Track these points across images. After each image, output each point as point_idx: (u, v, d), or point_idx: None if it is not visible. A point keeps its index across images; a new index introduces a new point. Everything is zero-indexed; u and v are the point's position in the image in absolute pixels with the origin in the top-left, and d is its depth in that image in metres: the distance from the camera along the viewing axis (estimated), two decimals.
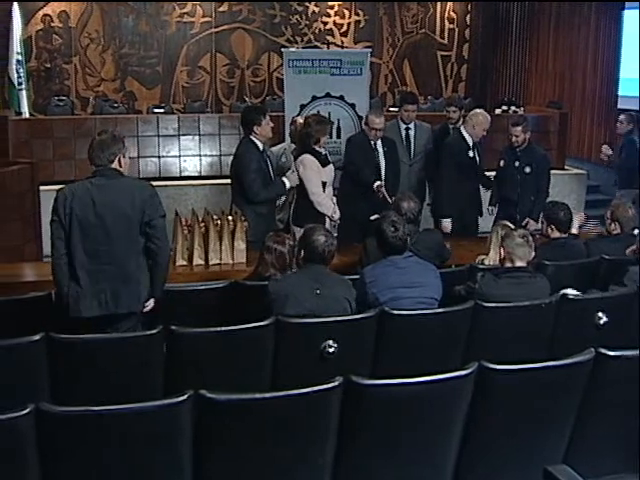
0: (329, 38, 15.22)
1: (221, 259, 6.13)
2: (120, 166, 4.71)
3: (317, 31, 15.15)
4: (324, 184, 7.03)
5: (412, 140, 8.05)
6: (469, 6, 15.90)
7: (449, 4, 15.76)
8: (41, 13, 13.63)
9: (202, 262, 6.11)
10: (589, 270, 5.67)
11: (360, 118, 8.64)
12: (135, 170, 10.72)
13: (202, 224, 6.12)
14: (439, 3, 15.70)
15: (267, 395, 3.16)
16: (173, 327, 4.07)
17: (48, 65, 13.81)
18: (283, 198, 7.44)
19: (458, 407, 3.43)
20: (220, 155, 11.17)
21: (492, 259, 5.70)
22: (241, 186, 6.60)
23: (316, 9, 15.07)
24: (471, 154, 7.62)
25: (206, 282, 5.50)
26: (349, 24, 15.31)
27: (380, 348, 4.46)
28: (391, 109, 12.97)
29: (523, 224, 7.14)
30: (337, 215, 7.09)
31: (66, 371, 4.04)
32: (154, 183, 10.23)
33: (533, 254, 5.03)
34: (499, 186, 7.72)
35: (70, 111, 12.66)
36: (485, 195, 7.93)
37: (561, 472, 3.33)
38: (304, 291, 4.50)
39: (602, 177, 12.12)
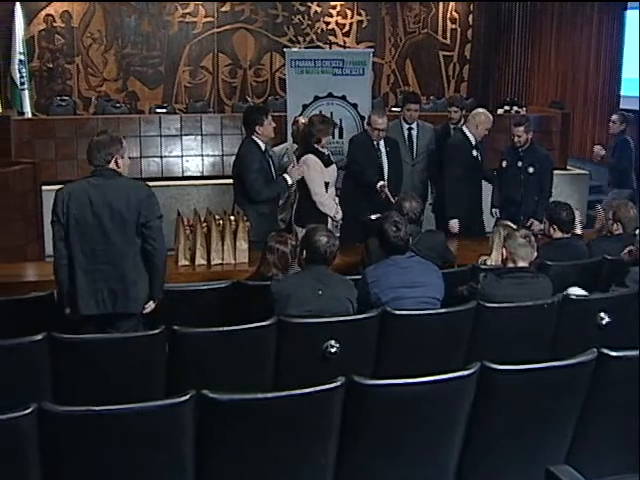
0: (331, 38, 15.21)
1: (223, 259, 6.13)
2: (117, 166, 4.71)
3: (319, 31, 15.14)
4: (327, 184, 7.04)
5: (414, 140, 8.05)
6: (471, 6, 15.88)
7: (451, 4, 15.74)
8: (43, 13, 13.62)
9: (204, 262, 6.11)
10: (591, 270, 5.67)
11: (362, 118, 8.64)
12: (137, 170, 10.72)
13: (204, 224, 6.12)
14: (441, 3, 15.68)
15: (269, 395, 3.17)
16: (175, 327, 4.07)
17: (50, 65, 13.81)
18: (285, 197, 7.45)
19: (460, 407, 3.43)
20: (222, 155, 11.17)
21: (494, 259, 5.70)
22: (243, 186, 6.60)
23: (318, 9, 15.07)
24: (474, 153, 7.63)
25: (208, 282, 5.50)
26: (351, 24, 15.30)
27: (382, 348, 4.46)
28: (393, 109, 12.96)
29: (527, 225, 7.13)
30: (339, 215, 7.10)
31: (68, 371, 4.04)
32: (156, 183, 10.41)
33: (535, 254, 5.03)
34: (501, 187, 7.69)
35: (72, 111, 12.65)
36: (487, 196, 7.93)
37: (563, 472, 3.32)
38: (306, 292, 4.50)
39: (604, 177, 12.08)
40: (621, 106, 12.53)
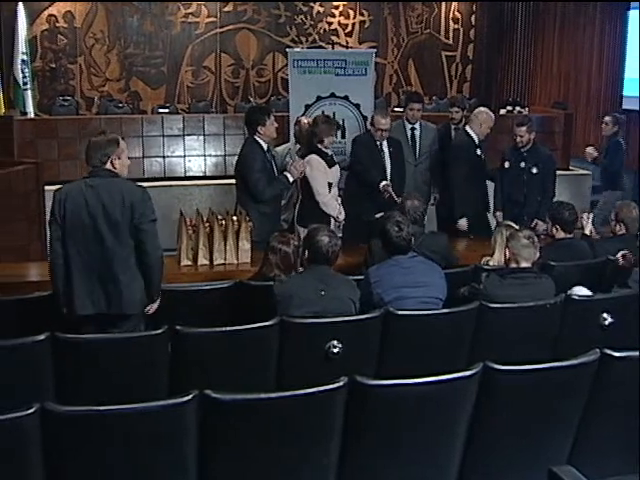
0: (334, 38, 15.21)
1: (226, 259, 6.13)
2: (114, 167, 4.71)
3: (322, 31, 15.14)
4: (330, 185, 7.04)
5: (417, 140, 8.05)
6: (474, 6, 15.88)
7: (454, 4, 15.74)
8: (46, 13, 13.64)
9: (207, 262, 6.11)
10: (595, 271, 5.67)
11: (365, 118, 8.64)
12: (140, 170, 10.73)
13: (207, 224, 6.13)
14: (444, 3, 15.68)
15: (272, 395, 3.17)
16: (178, 327, 4.07)
17: (53, 65, 13.82)
18: (288, 197, 7.45)
19: (463, 407, 3.43)
20: (225, 155, 11.16)
21: (497, 260, 5.69)
22: (246, 186, 6.61)
23: (321, 9, 15.07)
24: (478, 152, 7.65)
25: (211, 282, 5.50)
26: (354, 24, 15.30)
27: (385, 348, 4.46)
28: (396, 109, 12.95)
29: (531, 225, 7.14)
30: (342, 216, 7.11)
31: (71, 371, 4.05)
32: (159, 183, 10.42)
33: (538, 255, 5.03)
34: (503, 187, 7.67)
35: (75, 111, 12.65)
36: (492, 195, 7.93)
37: (566, 473, 3.32)
38: (309, 292, 4.50)
39: None
40: (623, 106, 12.54)
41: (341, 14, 15.21)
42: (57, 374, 4.00)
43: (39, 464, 2.92)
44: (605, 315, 4.78)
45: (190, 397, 3.00)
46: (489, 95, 15.64)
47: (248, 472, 3.22)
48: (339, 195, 7.32)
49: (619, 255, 5.57)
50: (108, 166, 4.69)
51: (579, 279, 5.30)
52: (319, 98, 8.67)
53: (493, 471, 3.63)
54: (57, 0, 13.64)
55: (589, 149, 9.46)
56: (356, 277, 4.93)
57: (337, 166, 7.20)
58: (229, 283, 5.14)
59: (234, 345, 4.20)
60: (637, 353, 3.63)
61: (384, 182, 7.31)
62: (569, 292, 4.98)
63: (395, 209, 5.65)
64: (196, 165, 11.19)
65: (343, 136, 8.52)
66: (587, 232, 6.29)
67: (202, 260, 6.09)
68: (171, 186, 10.51)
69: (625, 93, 12.60)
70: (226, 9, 14.54)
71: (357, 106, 8.79)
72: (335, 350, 4.20)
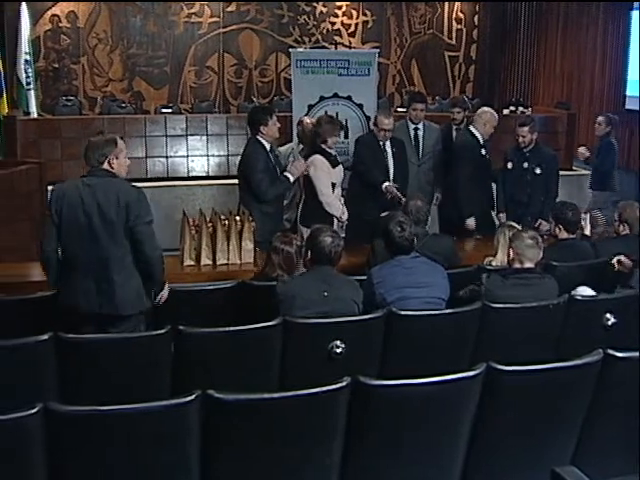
0: (337, 38, 15.21)
1: (229, 259, 6.13)
2: (111, 167, 4.70)
3: (325, 31, 15.14)
4: (333, 185, 7.05)
5: (421, 140, 8.04)
6: (477, 6, 15.87)
7: (457, 4, 15.74)
8: (49, 13, 13.65)
9: (210, 262, 6.11)
10: (598, 271, 5.66)
11: (368, 118, 8.63)
12: (143, 170, 10.76)
13: (210, 224, 6.12)
14: (447, 3, 15.68)
15: (275, 395, 3.17)
16: (181, 327, 4.07)
17: (56, 65, 13.84)
18: (291, 197, 7.45)
19: (466, 408, 3.43)
20: (228, 155, 11.18)
21: (499, 260, 5.69)
22: (249, 186, 6.61)
23: (324, 9, 15.07)
24: (483, 152, 7.66)
25: (214, 282, 5.50)
26: (357, 24, 15.30)
27: (388, 348, 4.46)
28: (399, 109, 12.95)
29: (535, 225, 7.15)
30: (345, 216, 7.12)
31: (74, 371, 4.05)
32: (162, 183, 10.42)
33: (541, 255, 5.02)
34: (506, 188, 7.65)
35: (78, 111, 12.67)
36: None
37: (569, 473, 3.33)
38: (312, 293, 4.50)
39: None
40: (626, 107, 12.52)
41: (344, 14, 15.21)
42: (60, 374, 4.00)
43: (42, 464, 2.92)
44: (608, 315, 4.78)
45: (193, 397, 3.00)
46: (492, 95, 15.63)
47: (251, 472, 3.22)
48: (342, 195, 7.32)
49: (614, 260, 5.55)
50: (105, 166, 4.68)
51: (582, 280, 5.30)
52: (322, 98, 8.67)
53: (496, 471, 3.63)
54: (60, 0, 13.65)
55: (581, 149, 9.47)
56: (359, 277, 4.93)
57: (340, 166, 7.21)
58: (232, 283, 5.15)
59: (237, 345, 4.20)
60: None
61: (387, 183, 7.31)
62: (573, 292, 4.98)
63: (398, 209, 5.65)
64: (199, 165, 11.21)
65: (346, 136, 8.50)
66: (587, 232, 6.28)
67: (205, 260, 6.09)
68: (174, 186, 10.53)
69: (630, 93, 12.58)
70: (229, 9, 14.54)
71: (360, 106, 8.78)
72: (338, 350, 4.20)
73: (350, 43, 15.25)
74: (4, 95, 11.03)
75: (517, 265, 4.92)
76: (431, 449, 3.47)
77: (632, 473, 3.79)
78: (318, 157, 6.96)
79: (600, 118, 9.43)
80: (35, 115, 11.96)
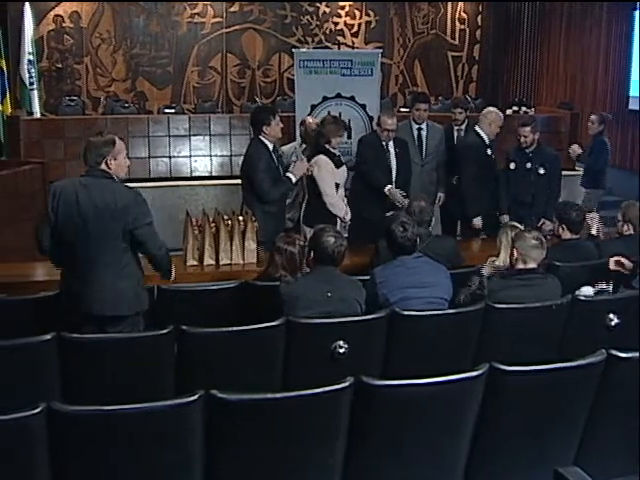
0: (340, 38, 15.21)
1: (232, 259, 6.13)
2: (109, 168, 4.68)
3: (328, 31, 15.15)
4: (337, 185, 7.05)
5: (424, 140, 8.03)
6: (480, 7, 15.87)
7: (460, 4, 15.73)
8: (53, 13, 13.67)
9: (213, 262, 6.11)
10: (601, 271, 5.65)
11: (371, 119, 8.64)
12: (146, 170, 10.77)
13: (213, 224, 6.12)
14: (450, 3, 15.67)
15: (278, 395, 3.17)
16: (184, 327, 4.07)
17: (59, 65, 13.85)
18: (293, 196, 7.46)
19: (469, 408, 3.43)
20: (231, 155, 11.18)
21: (502, 260, 5.67)
22: (252, 186, 6.61)
23: (327, 9, 15.07)
24: (489, 152, 7.69)
25: (217, 282, 5.50)
26: (360, 24, 15.30)
27: (391, 349, 4.46)
28: (402, 110, 12.95)
29: (538, 225, 7.15)
30: (348, 216, 7.12)
31: (77, 371, 4.05)
32: (165, 183, 10.42)
33: (544, 255, 5.02)
34: (509, 189, 7.63)
35: (81, 111, 12.68)
36: None
37: (572, 474, 3.32)
38: (315, 294, 4.50)
39: (614, 178, 12.07)
40: (630, 107, 12.51)
41: (347, 14, 15.21)
42: (63, 374, 4.00)
43: (45, 464, 2.93)
44: (611, 316, 4.77)
45: (196, 397, 3.01)
46: (495, 95, 15.62)
47: (254, 472, 3.22)
48: (345, 195, 7.33)
49: (612, 262, 5.49)
50: (103, 167, 4.65)
51: (585, 280, 5.29)
52: (325, 98, 8.68)
53: (499, 471, 3.63)
54: (63, 0, 13.66)
55: (574, 146, 9.46)
56: (362, 277, 4.93)
57: (344, 167, 7.21)
58: (235, 283, 5.15)
59: (240, 345, 4.21)
60: None
61: (389, 186, 7.32)
62: (577, 292, 4.98)
63: (402, 210, 5.65)
64: (202, 165, 11.21)
65: (349, 136, 8.51)
66: (594, 232, 6.28)
67: (208, 260, 6.10)
68: (177, 186, 10.55)
69: (633, 94, 12.57)
70: (232, 9, 14.55)
71: (363, 106, 8.79)
72: (341, 350, 4.20)
73: (353, 43, 15.25)
74: (7, 95, 11.04)
75: (521, 265, 4.91)
76: (434, 449, 3.47)
77: (633, 473, 3.79)
78: (322, 157, 6.96)
79: (593, 117, 9.45)
80: (38, 115, 11.97)
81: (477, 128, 7.77)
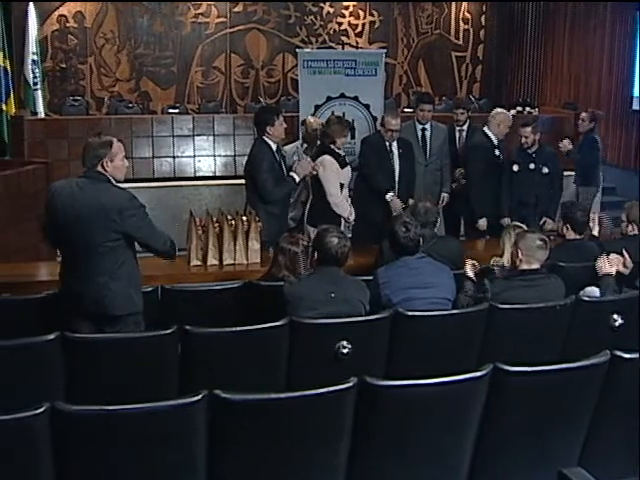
0: (344, 39, 15.19)
1: (235, 259, 6.13)
2: (105, 170, 4.67)
3: (332, 32, 15.13)
4: (341, 186, 7.06)
5: (428, 141, 8.03)
6: (484, 7, 15.85)
7: (464, 4, 15.71)
8: (57, 13, 13.66)
9: (216, 262, 6.11)
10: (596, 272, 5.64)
11: (374, 119, 8.64)
12: (150, 170, 10.79)
13: (216, 224, 6.13)
14: (454, 3, 15.65)
15: (282, 395, 3.18)
16: (188, 327, 4.08)
17: (63, 65, 13.85)
18: (296, 195, 7.46)
19: (472, 408, 3.43)
20: (234, 155, 11.19)
21: (506, 260, 5.67)
22: (255, 186, 6.61)
23: (331, 10, 15.06)
24: (497, 153, 7.72)
25: (220, 282, 5.51)
26: (364, 25, 15.29)
27: (394, 349, 4.46)
28: (405, 110, 12.95)
29: (540, 224, 7.15)
30: (352, 217, 7.12)
31: (80, 370, 4.05)
32: (169, 183, 10.42)
33: (547, 255, 5.01)
34: (512, 190, 7.60)
35: (85, 111, 12.70)
36: None
37: (576, 475, 3.32)
38: (319, 294, 4.49)
39: (617, 178, 12.07)
40: (633, 107, 12.50)
41: (351, 14, 15.19)
42: (66, 374, 4.01)
43: (48, 463, 2.93)
44: (615, 316, 4.77)
45: (200, 397, 3.01)
46: (499, 96, 15.60)
47: (257, 472, 3.22)
48: (349, 196, 7.33)
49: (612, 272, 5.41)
50: (99, 169, 4.64)
51: (589, 280, 5.28)
52: (329, 98, 8.69)
53: (503, 472, 3.63)
54: (67, 0, 13.67)
55: (565, 141, 9.46)
56: (366, 278, 4.92)
57: (349, 167, 7.23)
58: (239, 283, 5.15)
59: (244, 345, 4.21)
60: None
61: (390, 194, 7.32)
62: (581, 293, 4.97)
63: (407, 211, 5.65)
64: (206, 165, 11.22)
65: (353, 137, 8.51)
66: (595, 233, 6.27)
67: (212, 260, 6.10)
68: (181, 186, 10.55)
69: (636, 94, 12.55)
70: (236, 9, 14.54)
71: (367, 107, 8.80)
72: (345, 351, 4.20)
73: (357, 43, 15.23)
74: (11, 95, 11.03)
75: (525, 266, 4.89)
76: (437, 449, 3.47)
77: (634, 474, 3.79)
78: (327, 157, 6.97)
79: (584, 114, 9.50)
80: (42, 115, 11.96)
81: (485, 129, 7.82)
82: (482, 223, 7.66)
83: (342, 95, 8.72)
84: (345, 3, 15.12)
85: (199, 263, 6.11)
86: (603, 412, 3.66)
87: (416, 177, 7.71)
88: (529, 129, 7.40)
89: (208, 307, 5.01)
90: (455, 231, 8.19)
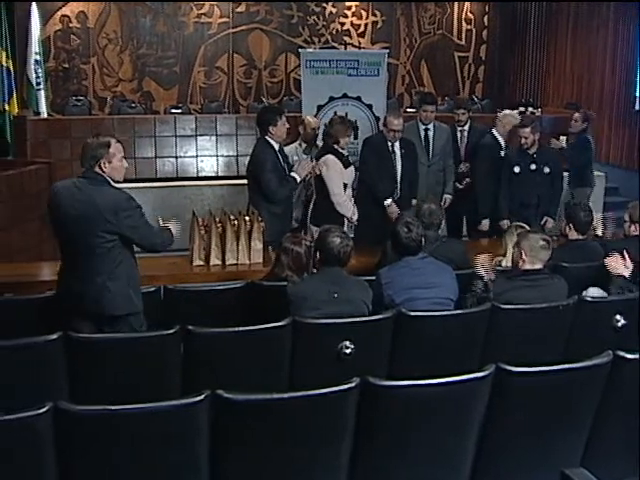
0: (346, 39, 15.19)
1: (238, 259, 6.14)
2: (103, 171, 4.67)
3: (334, 32, 15.13)
4: (345, 185, 7.06)
5: (431, 141, 8.02)
6: (487, 7, 15.84)
7: (466, 5, 15.71)
8: (59, 14, 13.67)
9: (219, 262, 6.11)
10: (607, 272, 5.64)
11: (377, 119, 8.64)
12: (152, 170, 10.80)
13: (219, 224, 6.13)
14: (456, 4, 15.64)
15: (285, 395, 3.17)
16: (190, 327, 4.08)
17: (66, 65, 13.85)
18: (297, 195, 7.46)
19: (475, 409, 3.42)
20: (237, 155, 11.19)
21: (509, 260, 5.67)
22: (259, 186, 6.61)
23: (333, 10, 15.06)
24: (503, 154, 7.73)
25: (223, 282, 5.51)
26: (366, 25, 15.28)
27: (397, 349, 4.46)
28: (408, 110, 12.95)
29: (542, 223, 7.15)
30: (356, 217, 7.13)
31: (83, 370, 4.05)
32: (171, 183, 10.43)
33: (549, 255, 5.00)
34: (513, 191, 7.58)
35: (88, 111, 12.69)
36: None
37: (578, 475, 3.32)
38: (322, 294, 4.49)
39: (620, 179, 12.06)
40: (636, 107, 12.49)
41: (353, 15, 15.19)
42: (69, 373, 4.01)
43: (51, 463, 2.93)
44: (618, 317, 4.76)
45: (202, 397, 3.01)
46: (502, 96, 15.58)
47: (260, 472, 3.22)
48: (352, 196, 7.33)
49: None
50: (97, 169, 4.65)
51: (592, 281, 5.28)
52: (331, 99, 8.68)
53: (505, 472, 3.62)
54: (70, 0, 13.68)
55: (561, 139, 9.45)
56: (368, 278, 4.92)
57: (352, 167, 7.22)
58: (241, 283, 5.15)
59: (246, 345, 4.21)
60: None
61: (389, 200, 7.32)
62: (584, 293, 4.96)
63: (410, 211, 5.65)
64: (208, 165, 11.23)
65: (355, 137, 8.51)
66: (599, 233, 6.26)
67: (214, 260, 6.10)
68: (183, 186, 10.56)
69: (639, 94, 12.54)
70: (239, 10, 14.54)
71: (369, 107, 8.79)
72: (347, 351, 4.20)
73: (359, 43, 15.23)
74: (14, 95, 11.07)
75: (527, 266, 4.89)
76: (440, 450, 3.47)
77: (635, 475, 3.79)
78: (331, 157, 6.97)
79: (576, 114, 9.48)
80: (45, 115, 11.98)
81: (493, 131, 7.92)
82: (485, 224, 7.65)
83: (345, 95, 8.71)
84: (348, 3, 15.12)
85: (202, 263, 6.12)
86: (605, 412, 3.66)
87: (419, 177, 7.70)
88: (528, 130, 7.38)
89: (211, 307, 5.01)
90: (457, 231, 8.19)
